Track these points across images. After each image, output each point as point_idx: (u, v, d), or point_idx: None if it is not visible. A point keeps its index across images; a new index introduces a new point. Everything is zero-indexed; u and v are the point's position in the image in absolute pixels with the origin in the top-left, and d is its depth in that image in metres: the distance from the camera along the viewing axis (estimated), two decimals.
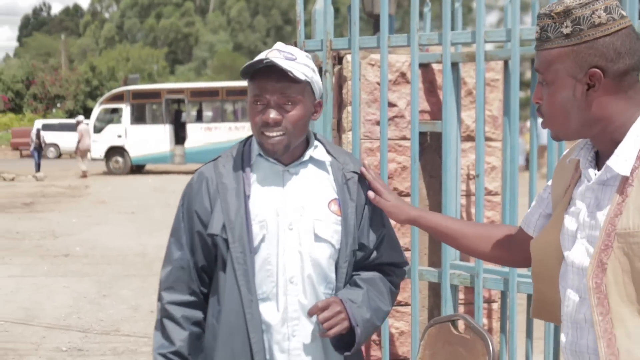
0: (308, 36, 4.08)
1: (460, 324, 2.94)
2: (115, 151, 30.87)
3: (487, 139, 4.06)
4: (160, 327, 2.73)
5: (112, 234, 14.20)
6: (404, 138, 4.13)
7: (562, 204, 2.18)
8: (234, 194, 2.64)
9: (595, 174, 2.05)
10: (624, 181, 1.95)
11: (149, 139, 30.46)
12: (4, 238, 13.93)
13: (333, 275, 2.70)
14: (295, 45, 4.01)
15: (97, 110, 31.82)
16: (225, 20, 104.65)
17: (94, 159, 31.08)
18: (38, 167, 29.09)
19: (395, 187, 4.17)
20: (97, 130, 31.04)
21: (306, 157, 2.72)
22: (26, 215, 17.25)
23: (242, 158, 2.72)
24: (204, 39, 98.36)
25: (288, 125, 2.60)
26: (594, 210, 2.02)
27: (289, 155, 2.69)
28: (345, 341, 2.67)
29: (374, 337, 4.13)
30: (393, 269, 2.86)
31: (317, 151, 2.75)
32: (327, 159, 2.76)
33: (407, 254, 4.12)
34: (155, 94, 31.59)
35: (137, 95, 31.29)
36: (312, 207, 2.67)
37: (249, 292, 2.59)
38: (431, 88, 4.15)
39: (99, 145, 30.74)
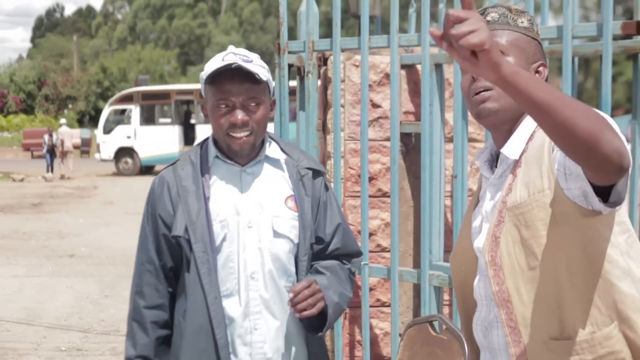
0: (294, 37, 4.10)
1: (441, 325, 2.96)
2: (124, 152, 30.95)
3: (472, 139, 4.06)
4: (129, 332, 2.83)
5: (118, 235, 14.23)
6: (388, 139, 4.14)
7: (469, 209, 2.36)
8: (194, 196, 2.73)
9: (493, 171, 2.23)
10: (515, 164, 2.11)
11: (159, 140, 30.53)
12: (10, 238, 13.99)
13: (293, 269, 2.79)
14: (279, 46, 4.03)
15: (106, 111, 31.92)
16: (238, 21, 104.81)
17: (103, 160, 31.19)
18: (49, 169, 29.05)
19: (380, 188, 4.19)
20: (107, 131, 31.15)
21: (262, 156, 2.81)
22: (34, 216, 17.33)
23: (200, 161, 2.80)
24: (216, 40, 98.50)
25: (254, 125, 2.70)
26: (493, 199, 2.18)
27: (245, 156, 2.77)
28: (314, 324, 2.75)
29: (358, 337, 4.15)
30: (349, 259, 2.95)
31: (271, 150, 2.85)
32: (281, 156, 2.85)
33: (388, 255, 4.14)
34: (164, 95, 31.68)
35: (146, 96, 31.37)
36: (270, 205, 2.76)
37: (212, 290, 2.67)
38: (416, 89, 4.16)
39: (108, 146, 30.84)
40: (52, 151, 29.76)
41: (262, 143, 2.82)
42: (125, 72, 65.01)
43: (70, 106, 59.55)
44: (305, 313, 2.64)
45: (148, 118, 31.23)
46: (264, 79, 2.69)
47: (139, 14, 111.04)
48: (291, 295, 2.63)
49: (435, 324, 2.79)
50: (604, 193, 1.91)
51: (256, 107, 2.69)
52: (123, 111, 31.78)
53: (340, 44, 3.87)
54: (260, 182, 2.78)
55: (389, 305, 4.21)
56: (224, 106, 2.67)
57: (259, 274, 2.72)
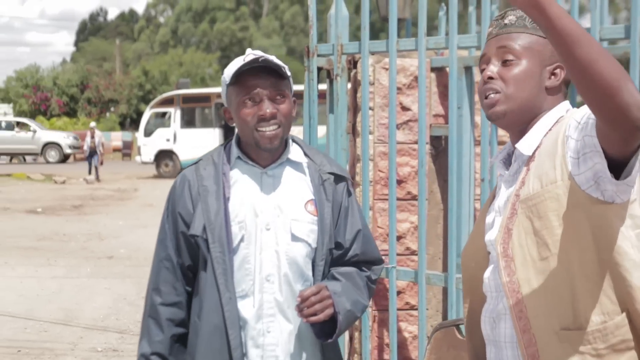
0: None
1: None
2: (165, 155, 31.16)
3: (502, 142, 4.04)
4: (144, 328, 2.85)
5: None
6: (425, 142, 4.14)
7: (485, 207, 2.39)
8: (214, 196, 2.74)
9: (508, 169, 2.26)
10: (529, 159, 2.14)
11: (199, 143, 30.64)
12: (51, 240, 14.16)
13: (310, 273, 2.78)
14: (308, 50, 4.05)
15: (147, 114, 32.17)
16: (279, 24, 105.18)
17: (144, 163, 31.43)
18: (94, 170, 29.08)
19: (409, 191, 4.18)
20: (147, 134, 31.38)
21: (284, 158, 2.82)
22: (74, 218, 17.51)
23: (222, 161, 2.81)
24: (257, 43, 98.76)
25: (282, 118, 2.72)
26: (506, 193, 2.21)
27: (268, 157, 2.79)
28: (325, 331, 2.74)
29: (386, 340, 4.15)
30: (369, 266, 2.92)
31: (294, 153, 2.85)
32: (303, 160, 2.86)
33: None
34: (205, 98, 31.84)
35: (187, 99, 31.56)
36: (289, 208, 2.76)
37: (227, 290, 2.68)
38: (445, 92, 4.15)
39: (148, 149, 31.05)
40: (93, 153, 29.88)
41: (285, 146, 2.83)
42: (166, 75, 65.52)
43: (112, 109, 60.12)
44: (313, 319, 2.64)
45: (188, 121, 31.41)
46: (288, 74, 2.73)
47: (181, 18, 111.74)
48: (298, 299, 2.63)
49: (462, 327, 2.79)
50: (616, 174, 1.93)
51: (282, 99, 2.72)
52: (164, 114, 31.99)
53: (369, 47, 3.88)
54: (281, 185, 2.79)
55: (418, 309, 4.20)
56: (250, 101, 2.69)
57: (274, 276, 2.72)
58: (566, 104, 2.22)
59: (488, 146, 3.70)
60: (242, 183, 2.79)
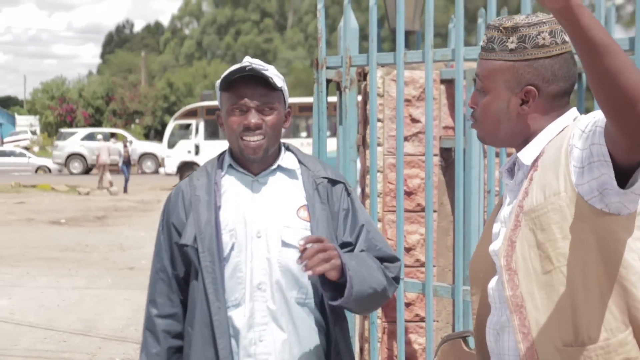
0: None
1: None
2: (188, 166, 31.26)
3: (510, 154, 4.03)
4: (143, 342, 2.87)
5: None
6: (432, 154, 4.14)
7: (492, 216, 2.34)
8: (205, 206, 2.74)
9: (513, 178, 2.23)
10: (531, 168, 2.10)
11: None
12: (73, 251, 14.24)
13: (306, 281, 2.72)
14: (317, 62, 4.07)
15: (171, 125, 32.33)
16: (303, 36, 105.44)
17: (167, 174, 31.57)
18: (127, 181, 28.88)
19: (419, 203, 4.19)
20: (171, 145, 31.53)
21: (274, 166, 2.81)
22: (97, 229, 17.61)
23: (214, 170, 2.82)
24: (282, 55, 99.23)
25: (267, 129, 2.71)
26: (511, 204, 2.17)
27: (260, 164, 2.78)
28: (337, 290, 2.58)
29: (396, 352, 4.14)
30: (385, 264, 2.79)
31: (286, 160, 2.84)
32: (296, 167, 2.84)
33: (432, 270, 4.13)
34: None
35: (210, 110, 31.67)
36: (280, 215, 2.74)
37: (216, 300, 2.67)
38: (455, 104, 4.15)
39: (171, 161, 31.18)
40: (128, 163, 29.71)
41: (277, 153, 2.83)
42: (191, 87, 65.86)
43: (137, 121, 60.49)
44: (319, 269, 2.45)
45: (212, 132, 31.51)
46: (279, 85, 2.71)
47: (206, 30, 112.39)
48: (301, 247, 2.48)
49: (469, 339, 2.79)
50: (622, 183, 1.89)
51: (270, 111, 2.71)
52: (187, 126, 32.14)
53: (377, 59, 3.89)
54: (272, 192, 2.78)
55: None
56: (238, 110, 2.70)
57: (266, 284, 2.70)
58: (572, 111, 2.16)
59: (495, 158, 3.69)
60: (233, 191, 2.78)
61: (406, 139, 4.18)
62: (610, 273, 1.98)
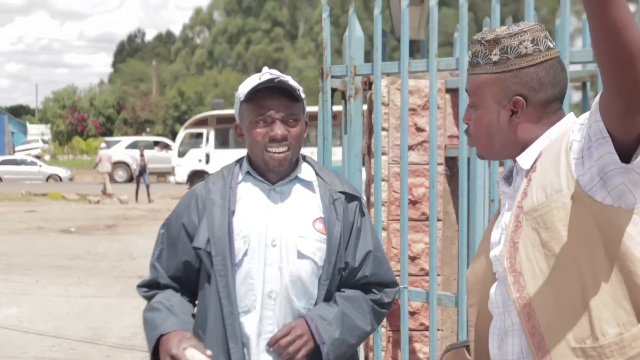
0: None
1: None
2: (198, 175, 31.25)
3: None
4: (146, 309, 2.89)
5: None
6: (437, 163, 4.14)
7: (490, 226, 2.33)
8: (219, 210, 2.75)
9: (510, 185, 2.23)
10: (529, 170, 2.10)
11: None
12: (83, 259, 14.26)
13: (316, 292, 2.77)
14: (322, 71, 4.08)
15: (181, 134, 32.38)
16: (314, 45, 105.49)
17: (178, 183, 31.60)
18: (148, 190, 28.64)
19: (424, 212, 4.19)
20: (181, 154, 31.56)
21: (293, 176, 2.83)
22: (107, 237, 17.64)
23: (231, 176, 2.83)
24: (292, 64, 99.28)
25: (292, 140, 2.74)
26: (511, 210, 2.15)
27: (278, 174, 2.80)
28: None
29: None
30: (381, 289, 2.89)
31: (304, 172, 2.86)
32: (314, 179, 2.86)
33: (437, 279, 4.13)
34: None
35: (221, 119, 31.69)
36: (296, 225, 2.76)
37: (229, 304, 2.69)
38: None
39: (182, 170, 31.21)
40: (143, 172, 29.37)
41: (295, 163, 2.84)
42: (202, 96, 66.01)
43: (148, 129, 60.66)
44: (297, 358, 2.67)
45: (223, 141, 31.54)
46: (302, 96, 2.76)
47: (217, 39, 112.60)
48: (271, 341, 2.68)
49: None
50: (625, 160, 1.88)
51: (294, 122, 2.74)
52: (198, 135, 32.17)
53: (381, 68, 3.90)
54: (289, 202, 2.79)
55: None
56: (262, 122, 2.71)
57: (276, 293, 2.72)
58: (569, 117, 2.16)
59: (499, 167, 3.69)
60: (249, 198, 2.79)
61: (411, 147, 4.19)
62: (618, 267, 1.97)
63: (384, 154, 4.19)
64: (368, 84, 4.19)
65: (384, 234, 4.20)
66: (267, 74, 2.73)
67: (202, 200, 2.80)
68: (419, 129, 4.17)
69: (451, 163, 4.19)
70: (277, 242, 2.73)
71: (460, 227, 3.76)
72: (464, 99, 3.74)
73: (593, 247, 1.97)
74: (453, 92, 4.14)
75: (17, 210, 23.69)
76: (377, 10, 3.86)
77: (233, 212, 2.76)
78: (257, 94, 2.70)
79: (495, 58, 2.11)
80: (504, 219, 2.18)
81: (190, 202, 2.83)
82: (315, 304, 2.77)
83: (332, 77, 4.10)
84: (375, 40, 3.86)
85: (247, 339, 2.71)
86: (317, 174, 2.88)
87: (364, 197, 4.33)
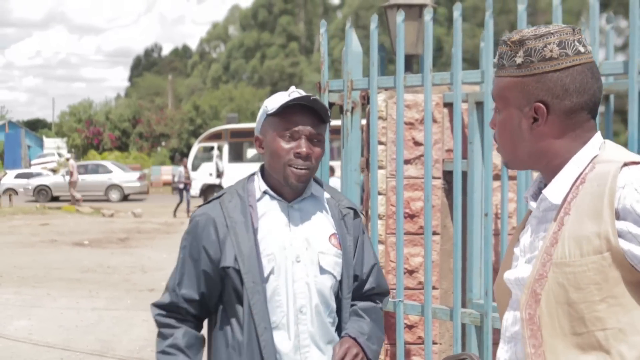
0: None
1: None
2: (212, 189, 31.31)
3: (512, 177, 4.05)
4: (158, 335, 2.92)
5: None
6: (431, 177, 4.16)
7: (514, 237, 2.18)
8: (244, 228, 2.77)
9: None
10: (560, 210, 1.92)
11: None
12: (95, 272, 14.31)
13: (334, 305, 2.86)
14: (320, 85, 4.11)
15: (195, 148, 32.47)
16: (330, 60, 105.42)
17: (192, 197, 31.67)
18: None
19: (422, 225, 4.20)
20: (195, 168, 31.61)
21: (307, 193, 2.87)
22: (119, 251, 17.68)
23: (247, 194, 2.85)
24: (307, 78, 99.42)
25: (314, 160, 2.80)
26: (535, 235, 2.01)
27: (295, 192, 2.84)
28: None
29: None
30: (381, 298, 3.03)
31: (315, 189, 2.91)
32: (324, 195, 2.92)
33: (434, 293, 4.14)
34: (253, 133, 31.98)
35: (235, 133, 31.80)
36: (316, 241, 2.82)
37: (262, 320, 2.72)
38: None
39: (196, 183, 31.22)
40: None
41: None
42: (217, 110, 66.19)
43: (163, 143, 60.88)
44: None
45: (236, 155, 31.62)
46: (329, 119, 2.82)
47: (232, 54, 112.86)
48: None
49: None
50: None
51: (318, 143, 2.79)
52: (212, 148, 32.26)
53: (378, 83, 3.93)
54: (307, 218, 2.85)
55: (432, 343, 4.20)
56: (289, 136, 2.75)
57: (307, 308, 2.78)
58: (596, 139, 1.98)
59: (493, 181, 3.70)
60: (269, 216, 2.83)
61: (409, 161, 4.21)
62: None
63: (382, 167, 4.22)
64: (366, 98, 4.21)
65: (381, 247, 4.22)
66: (297, 92, 2.79)
67: (222, 221, 2.80)
68: (417, 143, 4.19)
69: (449, 177, 4.20)
70: (301, 259, 2.79)
71: (454, 241, 3.78)
72: (459, 113, 3.76)
73: (626, 315, 1.82)
74: (451, 106, 4.15)
75: (31, 223, 23.79)
76: (373, 25, 3.89)
77: (256, 230, 2.79)
78: (287, 109, 2.74)
79: (519, 60, 1.96)
80: (524, 240, 2.06)
81: (208, 224, 2.82)
82: (342, 318, 2.87)
83: (330, 91, 4.13)
84: (372, 55, 3.89)
85: (281, 355, 2.75)
86: (324, 190, 2.96)
87: (363, 212, 4.36)
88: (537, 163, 2.02)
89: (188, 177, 28.79)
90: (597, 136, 1.97)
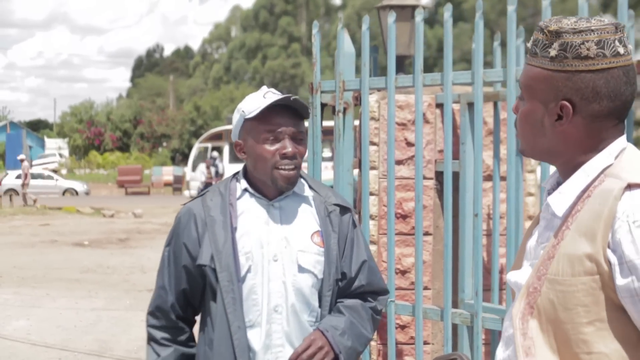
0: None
1: None
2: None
3: (503, 178, 4.06)
4: (148, 350, 2.93)
5: None
6: (423, 177, 4.17)
7: (528, 231, 2.10)
8: (222, 226, 2.78)
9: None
10: (563, 223, 1.85)
11: None
12: (94, 273, 14.32)
13: (316, 304, 2.84)
14: (312, 86, 4.12)
15: (195, 149, 32.52)
16: (331, 61, 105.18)
17: (192, 197, 31.66)
18: None
19: (414, 226, 4.21)
20: (194, 168, 31.65)
21: (289, 191, 2.86)
22: (119, 251, 17.69)
23: (228, 192, 2.86)
24: (309, 79, 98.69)
25: (300, 158, 2.80)
26: (539, 240, 1.96)
27: (275, 190, 2.82)
28: None
29: None
30: (375, 297, 2.98)
31: (299, 186, 2.90)
32: (309, 193, 2.91)
33: (426, 293, 4.15)
34: None
35: None
36: (296, 239, 2.82)
37: (236, 319, 2.74)
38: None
39: (194, 184, 31.27)
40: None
41: None
42: (218, 110, 66.24)
43: (164, 144, 60.94)
44: None
45: (236, 156, 31.61)
46: (307, 116, 2.83)
47: (234, 54, 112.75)
48: (293, 356, 2.72)
49: None
50: None
51: (301, 141, 2.81)
52: (214, 149, 32.31)
53: (369, 83, 3.94)
54: (287, 217, 2.84)
55: (425, 343, 4.21)
56: (272, 138, 2.75)
57: (282, 307, 2.78)
58: (615, 145, 1.87)
59: (483, 182, 3.72)
60: (248, 214, 2.84)
61: (402, 162, 4.22)
62: None
63: (374, 168, 4.23)
64: (359, 99, 4.23)
65: (374, 247, 4.23)
66: (270, 92, 2.79)
67: (202, 218, 2.83)
68: (410, 144, 4.20)
69: (442, 177, 4.21)
70: (278, 257, 2.79)
71: (445, 241, 3.79)
72: (449, 113, 3.77)
73: (613, 341, 1.77)
74: (442, 107, 4.17)
75: (31, 224, 23.80)
76: (364, 26, 3.91)
77: (235, 229, 2.80)
78: (266, 111, 2.74)
79: (552, 53, 1.83)
80: (531, 242, 2.01)
81: (189, 221, 2.85)
82: (320, 316, 2.84)
83: (322, 92, 4.14)
84: (363, 55, 3.91)
85: (253, 354, 2.76)
86: (310, 187, 2.95)
87: (357, 211, 4.37)
88: (553, 160, 1.95)
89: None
90: (618, 142, 1.87)
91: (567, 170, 1.91)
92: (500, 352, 2.02)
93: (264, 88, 2.86)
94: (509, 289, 2.54)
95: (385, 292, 3.04)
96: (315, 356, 2.72)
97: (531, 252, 1.98)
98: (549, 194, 1.98)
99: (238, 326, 2.73)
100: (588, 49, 1.80)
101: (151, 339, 2.93)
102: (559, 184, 1.98)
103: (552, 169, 2.09)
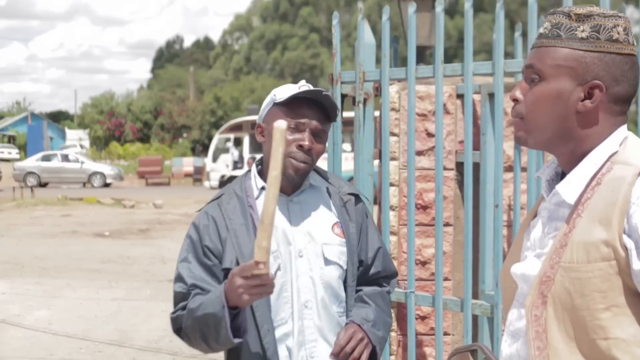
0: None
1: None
2: (231, 180, 31.34)
3: (524, 169, 4.04)
4: (190, 303, 2.75)
5: None
6: (443, 168, 4.15)
7: (523, 225, 2.12)
8: (244, 229, 2.73)
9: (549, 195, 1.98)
10: (573, 211, 1.86)
11: None
12: (115, 263, 14.40)
13: (343, 295, 2.84)
14: (332, 77, 4.11)
15: (215, 140, 32.57)
16: (351, 51, 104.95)
17: (212, 188, 31.76)
18: None
19: (434, 217, 4.20)
20: (215, 159, 31.71)
21: (306, 185, 2.85)
22: (139, 242, 17.77)
23: (245, 193, 2.81)
24: (329, 70, 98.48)
25: (314, 156, 2.76)
26: (545, 230, 1.96)
27: (292, 185, 2.80)
28: None
29: None
30: (388, 281, 3.02)
31: (314, 179, 2.89)
32: (323, 184, 2.90)
33: (447, 284, 4.14)
34: None
35: (255, 125, 31.82)
36: (319, 232, 2.80)
37: (264, 322, 2.69)
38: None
39: (214, 175, 31.34)
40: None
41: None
42: (238, 101, 66.38)
43: (184, 135, 61.12)
44: None
45: (257, 146, 31.68)
46: (334, 118, 2.81)
47: (254, 45, 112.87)
48: (337, 349, 2.70)
49: (479, 352, 2.80)
50: None
51: (320, 139, 2.77)
52: (234, 140, 32.37)
53: (389, 74, 3.93)
54: (307, 211, 2.82)
55: (445, 334, 4.21)
56: (293, 127, 2.72)
57: (312, 302, 2.76)
58: (618, 133, 1.91)
59: (504, 173, 3.70)
60: None
61: (422, 153, 4.21)
62: None
63: (395, 159, 4.22)
64: (379, 90, 4.22)
65: (394, 238, 4.23)
66: (307, 86, 2.77)
67: (222, 223, 2.76)
68: (430, 135, 4.19)
69: (462, 168, 4.20)
70: (303, 253, 2.77)
71: (465, 232, 3.77)
72: (470, 104, 3.75)
73: (630, 325, 1.78)
74: (463, 97, 4.15)
75: (52, 214, 23.96)
76: (385, 17, 3.89)
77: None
78: (296, 101, 2.72)
79: (583, 35, 1.86)
80: (534, 234, 2.01)
81: (208, 225, 2.78)
82: (346, 306, 2.84)
83: (342, 83, 4.13)
84: (383, 46, 3.89)
85: (289, 352, 2.73)
86: (323, 178, 2.93)
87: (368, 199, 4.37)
88: (559, 147, 1.94)
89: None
90: (621, 130, 1.91)
91: (572, 159, 1.92)
92: (506, 347, 2.01)
93: (302, 82, 2.83)
94: (500, 283, 2.52)
95: (395, 274, 3.07)
96: (357, 348, 2.72)
97: (536, 242, 1.97)
98: (548, 184, 2.00)
99: (267, 329, 2.68)
100: (618, 33, 1.86)
101: (182, 298, 2.78)
102: (557, 174, 2.00)
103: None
